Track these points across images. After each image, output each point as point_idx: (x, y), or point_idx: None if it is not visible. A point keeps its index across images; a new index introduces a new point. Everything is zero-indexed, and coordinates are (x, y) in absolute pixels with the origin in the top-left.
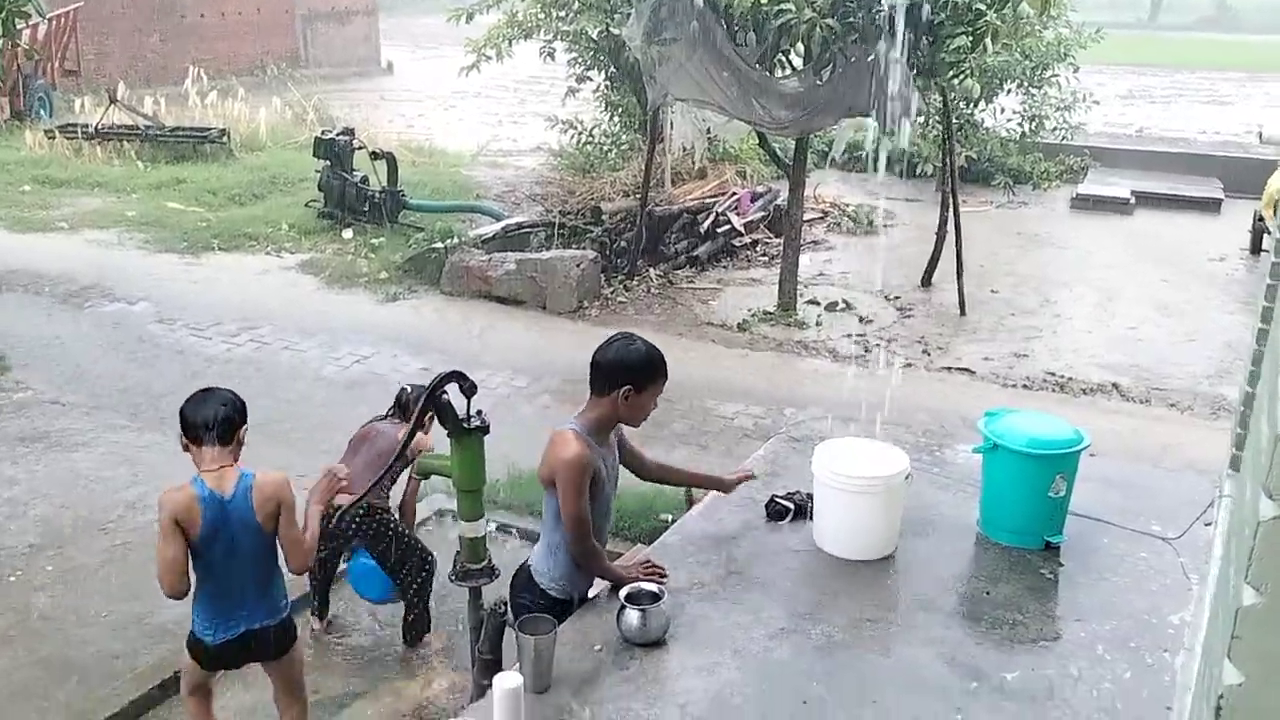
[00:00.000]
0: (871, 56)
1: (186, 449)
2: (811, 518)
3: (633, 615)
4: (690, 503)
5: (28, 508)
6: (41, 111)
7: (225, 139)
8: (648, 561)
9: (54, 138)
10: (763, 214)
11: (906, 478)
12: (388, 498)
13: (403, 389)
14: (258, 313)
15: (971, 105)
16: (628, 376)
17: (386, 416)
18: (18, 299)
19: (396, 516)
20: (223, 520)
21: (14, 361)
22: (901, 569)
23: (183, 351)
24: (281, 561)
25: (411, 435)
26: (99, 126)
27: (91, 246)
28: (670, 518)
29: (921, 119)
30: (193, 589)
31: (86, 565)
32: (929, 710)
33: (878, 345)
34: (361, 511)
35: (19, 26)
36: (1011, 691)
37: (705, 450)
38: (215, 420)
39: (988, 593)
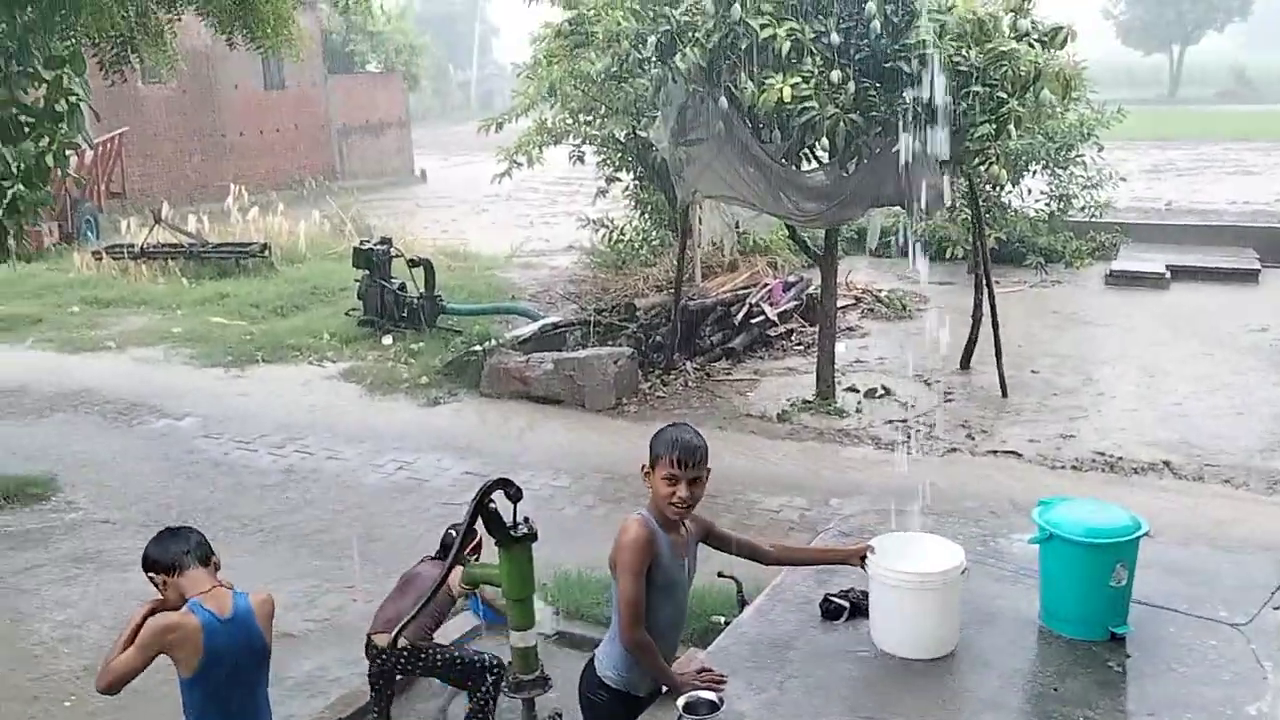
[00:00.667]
0: (896, 148)
1: (162, 586)
2: (868, 616)
3: None
4: (743, 604)
5: (81, 630)
6: (89, 233)
7: (266, 253)
8: (705, 669)
9: (101, 258)
10: (796, 303)
11: (963, 572)
12: (431, 635)
13: (448, 532)
14: (302, 423)
15: (998, 188)
16: (650, 454)
17: (435, 558)
18: (67, 418)
19: (443, 645)
20: (227, 643)
21: (64, 481)
22: (964, 666)
23: (230, 465)
24: None
25: (448, 572)
26: (144, 246)
27: (138, 364)
28: (723, 619)
29: (949, 205)
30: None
31: (142, 689)
32: None
33: (920, 431)
34: (407, 652)
35: (68, 155)
36: None
37: None
38: (193, 545)
39: (1055, 689)
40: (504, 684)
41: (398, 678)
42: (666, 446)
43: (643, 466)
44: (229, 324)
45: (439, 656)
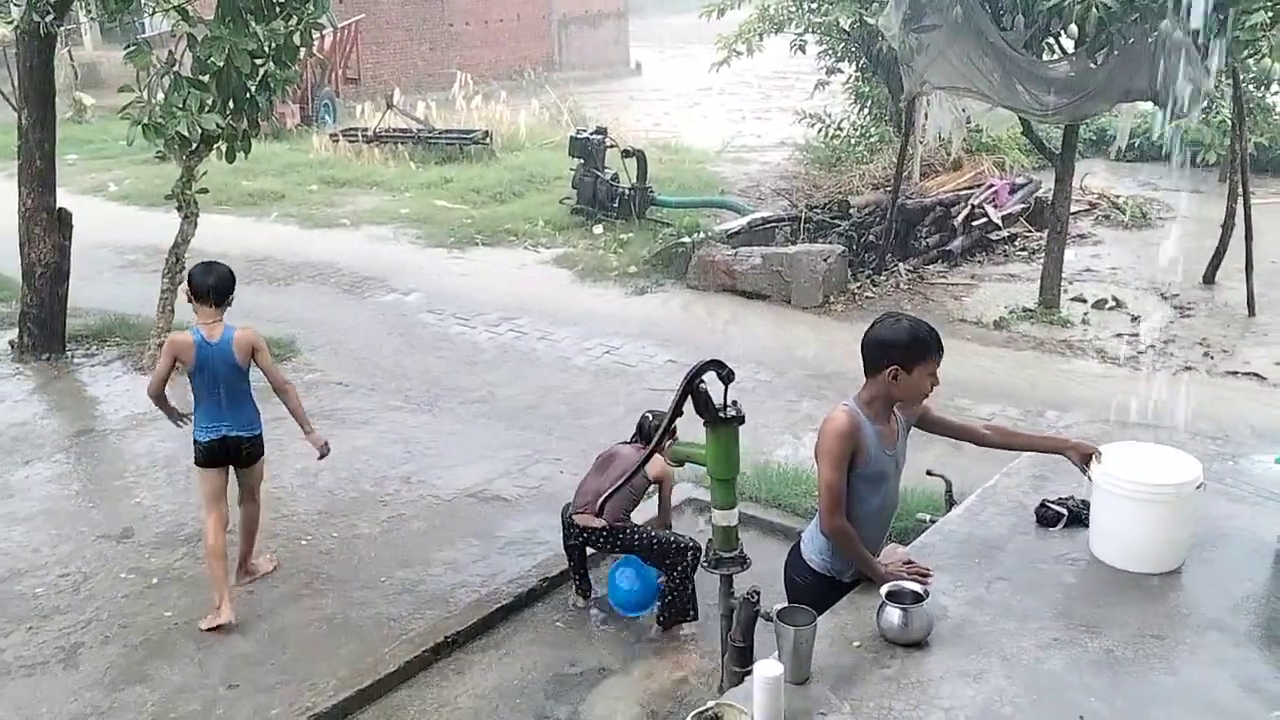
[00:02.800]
0: (1154, 36)
1: (190, 302)
2: (1086, 525)
3: (894, 614)
4: (951, 504)
5: (316, 479)
6: (326, 117)
7: (488, 140)
8: (910, 561)
9: (337, 141)
10: (1022, 206)
11: (1199, 486)
12: (628, 516)
13: (644, 416)
14: (517, 304)
15: (1264, 88)
16: (893, 355)
17: (632, 441)
18: (307, 287)
19: (640, 525)
20: (209, 356)
21: (303, 345)
22: (1189, 585)
23: (451, 339)
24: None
25: (648, 457)
26: (376, 130)
27: (370, 241)
28: (929, 518)
29: (1208, 103)
30: (193, 407)
31: (367, 534)
32: None
33: (1152, 346)
34: (605, 532)
35: (313, 36)
36: None
37: (959, 450)
38: (213, 288)
39: None
40: (703, 561)
41: (590, 553)
42: (932, 347)
43: (890, 372)
44: (452, 207)
45: (636, 537)
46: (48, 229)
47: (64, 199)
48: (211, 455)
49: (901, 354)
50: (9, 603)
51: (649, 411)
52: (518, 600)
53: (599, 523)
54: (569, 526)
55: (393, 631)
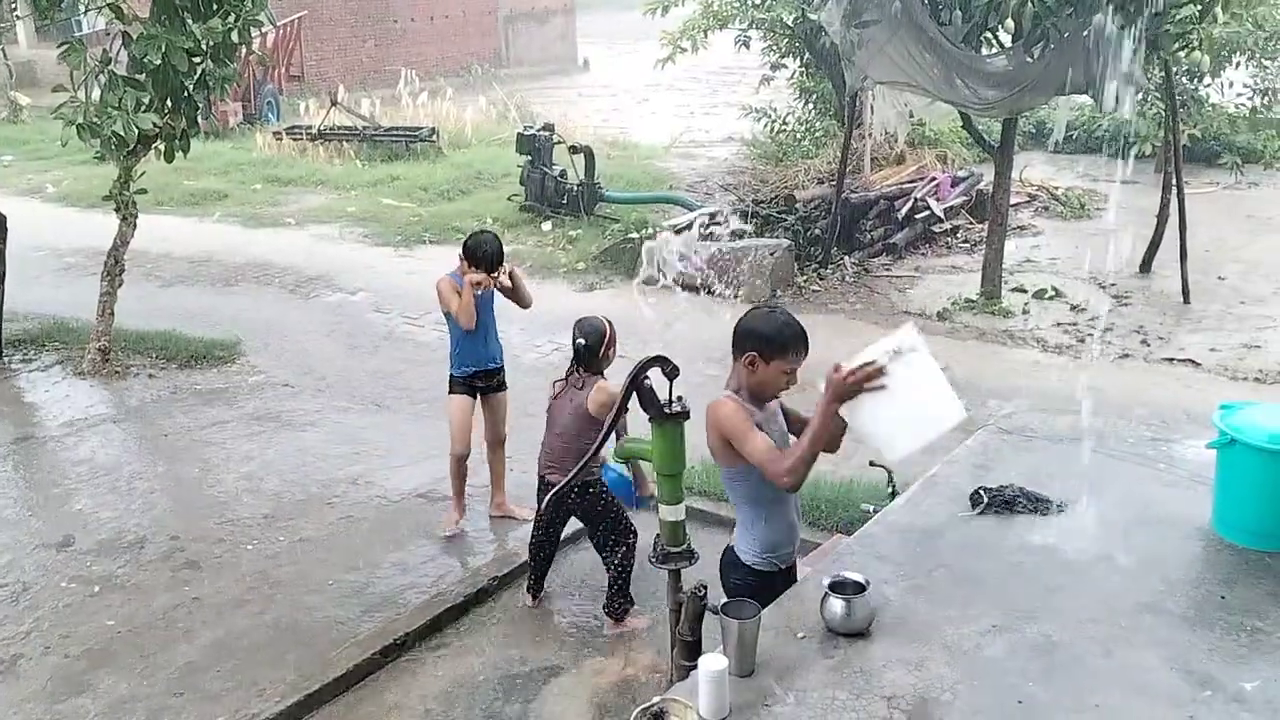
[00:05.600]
0: (1088, 30)
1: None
2: (1025, 511)
3: (837, 604)
4: (893, 494)
5: (262, 481)
6: (270, 115)
7: (435, 137)
8: (845, 373)
9: (281, 139)
10: (964, 199)
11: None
12: (599, 470)
13: (576, 339)
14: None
15: (1196, 80)
16: (755, 344)
17: (567, 377)
18: (250, 288)
19: (608, 489)
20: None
21: (247, 347)
22: (1126, 569)
23: (398, 338)
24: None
25: (618, 417)
26: (321, 128)
27: (315, 240)
28: (872, 508)
29: (1141, 95)
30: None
31: (314, 537)
32: (1157, 717)
33: (1091, 335)
34: (577, 487)
35: (252, 33)
36: (1252, 702)
37: None
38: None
39: (1223, 596)
40: (650, 556)
41: (568, 518)
42: (794, 346)
43: (747, 358)
44: (399, 205)
45: (604, 497)
46: None
47: (0, 201)
48: (468, 384)
49: (763, 344)
50: None
51: (577, 324)
52: (467, 600)
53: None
54: (545, 487)
55: (341, 635)
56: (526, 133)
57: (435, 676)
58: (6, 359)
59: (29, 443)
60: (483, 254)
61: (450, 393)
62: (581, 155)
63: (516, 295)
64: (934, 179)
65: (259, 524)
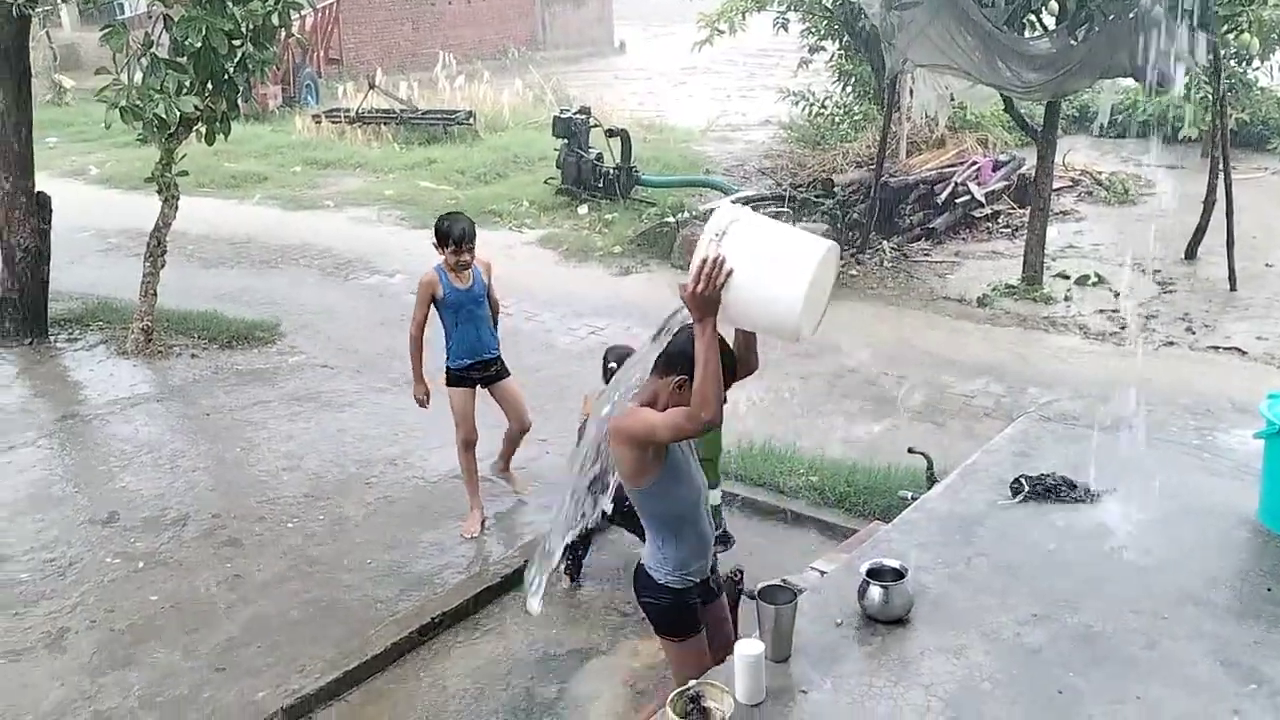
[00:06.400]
0: (1134, 12)
1: (438, 248)
2: (1061, 500)
3: (875, 591)
4: (932, 481)
5: (302, 461)
6: (309, 98)
7: (471, 120)
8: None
9: (320, 122)
10: (1005, 183)
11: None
12: None
13: (606, 359)
14: (501, 285)
15: (1245, 63)
16: (687, 368)
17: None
18: (290, 271)
19: None
20: (455, 290)
21: (287, 328)
22: (1168, 560)
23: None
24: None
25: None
26: (359, 111)
27: (353, 223)
28: (910, 495)
29: (1188, 79)
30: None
31: (352, 516)
32: (1200, 710)
33: (1135, 322)
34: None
35: (292, 17)
36: None
37: (941, 428)
38: (456, 236)
39: (1269, 589)
40: None
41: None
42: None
43: (677, 381)
44: (436, 188)
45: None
46: (27, 213)
47: (45, 182)
48: (465, 378)
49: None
50: None
51: (610, 350)
52: (504, 581)
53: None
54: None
55: (380, 613)
56: (563, 116)
57: (472, 656)
58: (52, 338)
59: (74, 420)
60: (451, 233)
61: (447, 385)
62: (618, 138)
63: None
64: (975, 163)
65: (299, 503)
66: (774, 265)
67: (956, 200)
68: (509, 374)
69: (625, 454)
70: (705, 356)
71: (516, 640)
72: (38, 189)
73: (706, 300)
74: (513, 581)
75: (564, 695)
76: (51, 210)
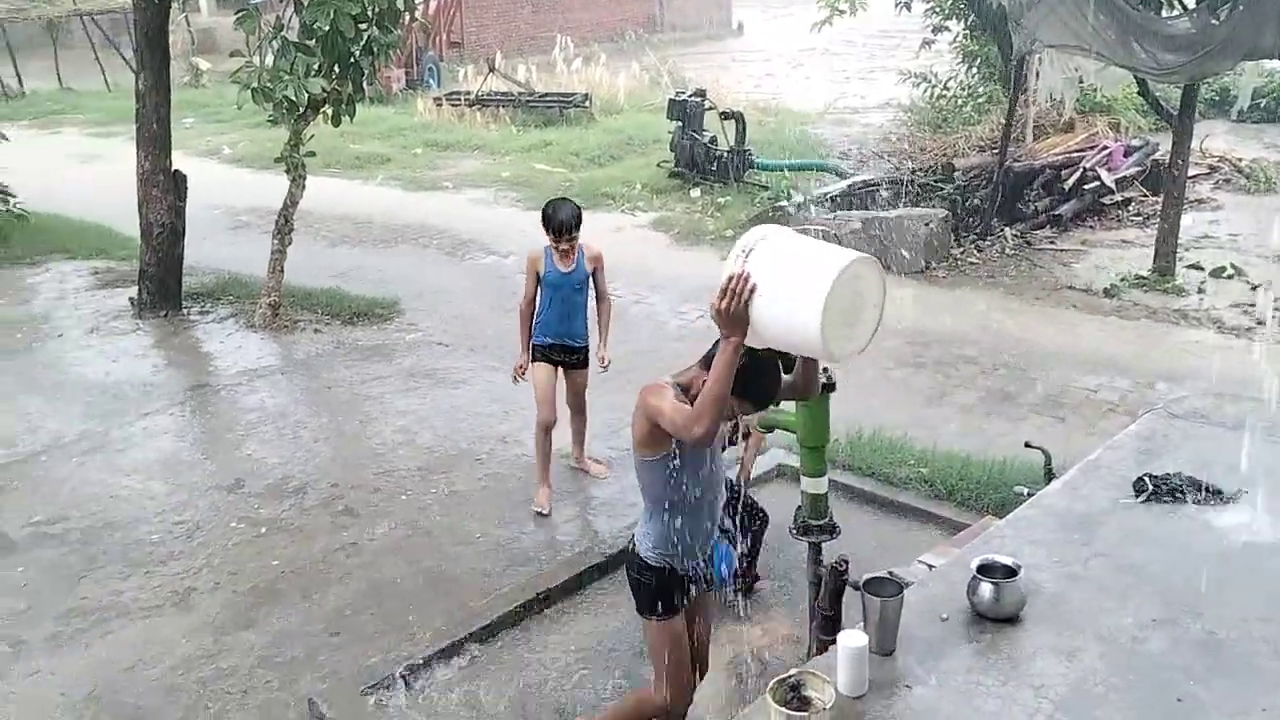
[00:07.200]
0: None
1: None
2: (1187, 501)
3: (986, 588)
4: (1050, 477)
5: (416, 435)
6: (430, 81)
7: (587, 103)
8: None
9: (441, 105)
10: (1138, 169)
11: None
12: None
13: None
14: (612, 267)
15: None
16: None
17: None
18: (409, 250)
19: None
20: (556, 273)
21: (406, 306)
22: None
23: None
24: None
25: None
26: (479, 94)
27: (471, 204)
28: (1026, 491)
29: None
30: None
31: (463, 491)
32: None
33: (1272, 317)
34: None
35: (415, 2)
36: None
37: (1062, 423)
38: (560, 221)
39: None
40: (791, 528)
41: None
42: (764, 396)
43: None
44: (551, 171)
45: (737, 488)
46: (164, 190)
47: (181, 161)
48: (550, 356)
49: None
50: (129, 548)
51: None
52: (609, 560)
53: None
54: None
55: (486, 587)
56: (678, 98)
57: (575, 633)
58: (185, 310)
59: (204, 390)
60: (553, 221)
61: (532, 360)
62: (732, 121)
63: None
64: (1105, 148)
65: (413, 476)
66: (796, 282)
67: (1085, 186)
68: (587, 366)
69: (638, 420)
70: (717, 374)
71: (619, 621)
72: (174, 168)
73: (733, 317)
74: (617, 562)
75: None
76: (187, 188)
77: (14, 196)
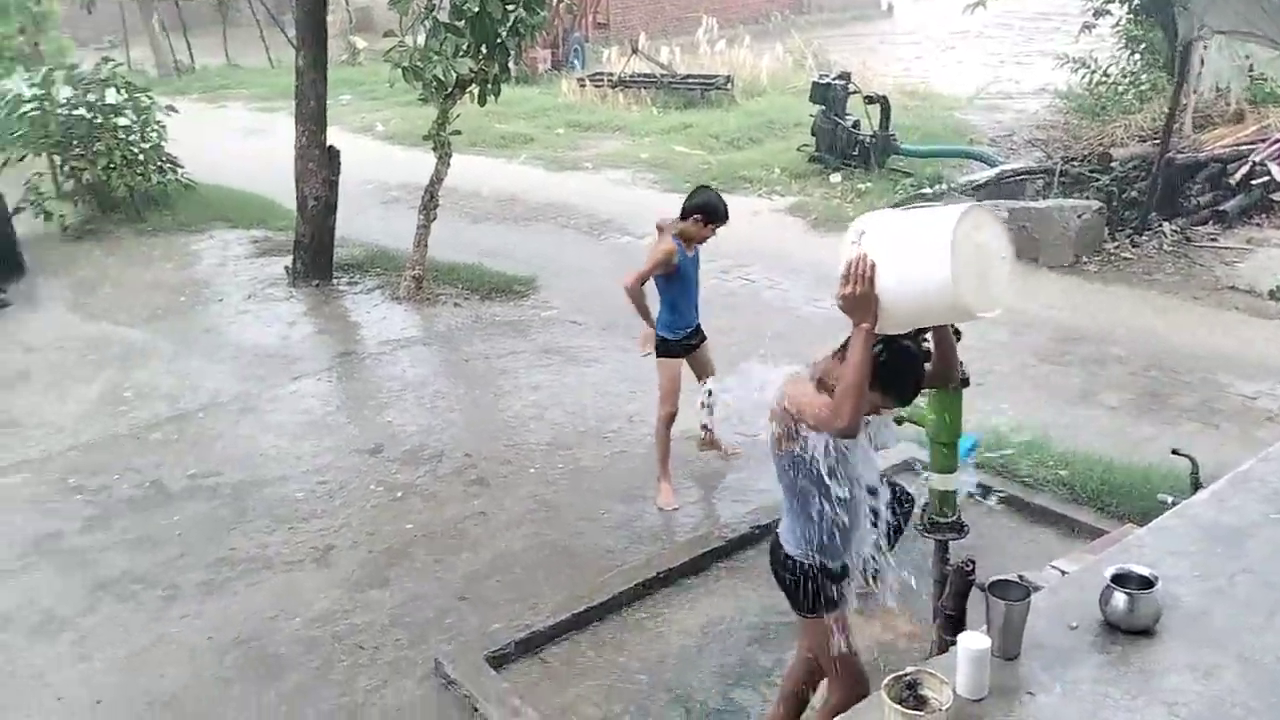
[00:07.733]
0: None
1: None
2: None
3: (1120, 598)
4: (1196, 486)
5: (546, 411)
6: (575, 61)
7: (729, 86)
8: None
9: (584, 85)
10: None
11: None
12: None
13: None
14: (748, 251)
15: None
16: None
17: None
18: (549, 229)
19: None
20: (687, 263)
21: (543, 283)
22: None
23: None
24: None
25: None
26: (621, 75)
27: (610, 185)
28: (1170, 499)
29: None
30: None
31: (590, 468)
32: None
33: None
34: None
35: None
36: None
37: (1215, 430)
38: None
39: None
40: (918, 524)
41: None
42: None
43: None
44: (690, 153)
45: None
46: (319, 165)
47: (336, 137)
48: (679, 347)
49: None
50: (275, 505)
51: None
52: (730, 544)
53: None
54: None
55: (609, 562)
56: (821, 81)
57: (694, 614)
58: (336, 280)
59: (350, 358)
60: (719, 212)
61: (664, 356)
62: (877, 105)
63: None
64: (1278, 141)
65: (542, 450)
66: (916, 246)
67: (1254, 181)
68: (706, 337)
69: (779, 413)
70: (853, 363)
71: (739, 604)
72: (329, 143)
73: (860, 300)
74: (738, 545)
75: (779, 666)
76: (340, 163)
77: (181, 167)
